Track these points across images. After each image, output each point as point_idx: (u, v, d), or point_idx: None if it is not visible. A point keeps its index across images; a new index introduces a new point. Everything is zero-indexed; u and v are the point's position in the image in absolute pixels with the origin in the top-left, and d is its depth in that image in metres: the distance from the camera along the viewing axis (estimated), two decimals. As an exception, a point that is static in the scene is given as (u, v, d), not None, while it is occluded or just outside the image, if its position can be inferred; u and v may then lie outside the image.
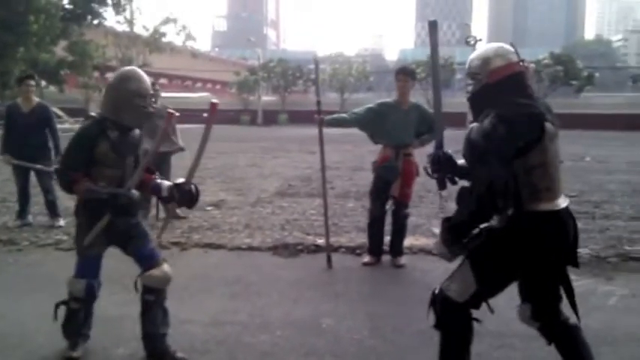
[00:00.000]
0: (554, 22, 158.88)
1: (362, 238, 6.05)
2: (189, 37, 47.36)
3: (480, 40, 48.90)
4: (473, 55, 2.65)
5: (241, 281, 4.78)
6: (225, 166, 13.23)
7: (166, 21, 45.72)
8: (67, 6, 34.99)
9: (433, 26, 2.66)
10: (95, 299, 3.33)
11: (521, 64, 2.56)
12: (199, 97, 52.47)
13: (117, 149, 3.11)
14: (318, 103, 5.18)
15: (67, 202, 7.85)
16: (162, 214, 7.14)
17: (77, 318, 3.32)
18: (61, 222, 6.73)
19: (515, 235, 2.48)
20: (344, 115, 5.36)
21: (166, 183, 3.27)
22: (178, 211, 7.21)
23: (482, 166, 2.42)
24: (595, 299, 4.42)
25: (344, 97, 47.39)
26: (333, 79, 50.67)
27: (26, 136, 6.55)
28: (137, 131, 3.27)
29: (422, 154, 5.17)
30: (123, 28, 44.11)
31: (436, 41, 2.71)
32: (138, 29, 44.98)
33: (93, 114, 3.26)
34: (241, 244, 5.89)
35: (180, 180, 3.25)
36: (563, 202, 2.59)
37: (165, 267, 3.25)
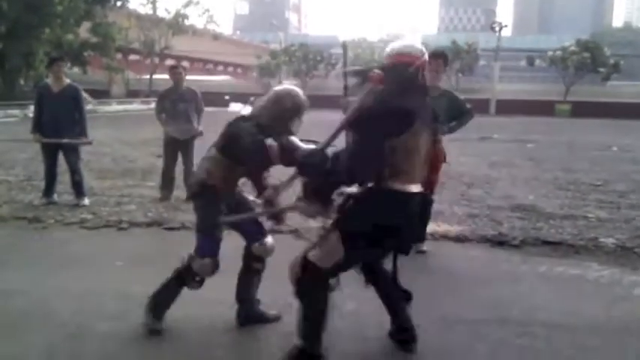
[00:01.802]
0: (582, 9, 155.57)
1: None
2: (211, 19, 47.46)
3: (505, 26, 48.23)
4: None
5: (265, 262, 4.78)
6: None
7: (188, 3, 45.82)
8: (91, -13, 35.21)
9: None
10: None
11: (418, 57, 2.88)
12: (220, 80, 52.60)
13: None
14: (345, 87, 5.13)
15: (92, 181, 7.99)
16: (183, 196, 7.21)
17: (176, 295, 3.48)
18: (86, 201, 6.82)
19: (371, 206, 2.79)
20: None
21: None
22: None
23: (361, 139, 2.78)
24: (620, 289, 4.37)
25: (348, 82, 47.07)
26: (356, 65, 50.38)
27: (56, 116, 6.66)
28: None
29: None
30: (146, 10, 44.32)
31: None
32: (160, 12, 45.19)
33: (244, 114, 3.37)
34: (265, 226, 5.89)
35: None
36: (416, 189, 2.92)
37: (269, 240, 3.59)
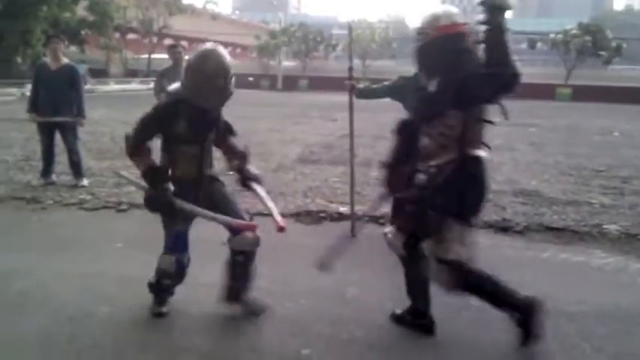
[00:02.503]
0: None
1: (385, 208, 5.97)
2: (209, -1, 46.93)
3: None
4: (423, 15, 2.92)
5: (264, 247, 4.69)
6: (246, 130, 13.05)
7: (188, -18, 45.29)
8: (89, -35, 34.72)
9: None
10: (185, 273, 3.35)
11: (465, 26, 2.79)
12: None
13: (195, 127, 3.11)
14: (350, 69, 5.04)
15: (90, 162, 7.91)
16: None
17: (167, 288, 3.38)
18: (85, 182, 6.75)
19: (470, 175, 2.75)
20: (376, 86, 5.17)
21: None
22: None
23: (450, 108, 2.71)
24: (626, 277, 4.32)
25: (366, 64, 46.67)
26: (356, 46, 49.91)
27: (53, 95, 6.57)
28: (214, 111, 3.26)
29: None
30: (144, -12, 43.84)
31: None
32: (159, -10, 44.69)
33: (171, 90, 3.22)
34: (263, 209, 5.80)
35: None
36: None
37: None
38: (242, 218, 3.31)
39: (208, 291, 3.60)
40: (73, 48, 35.75)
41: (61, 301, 3.55)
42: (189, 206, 3.16)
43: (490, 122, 2.81)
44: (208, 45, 3.12)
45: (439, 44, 2.76)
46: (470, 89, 2.63)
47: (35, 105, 6.67)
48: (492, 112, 2.83)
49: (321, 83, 43.15)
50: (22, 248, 4.58)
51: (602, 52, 42.11)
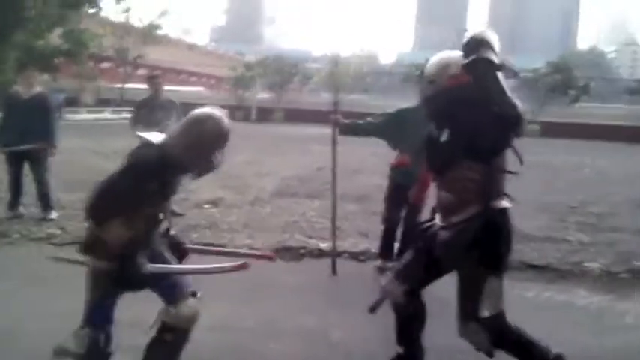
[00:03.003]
0: (550, 31, 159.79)
1: (365, 244, 5.89)
2: (185, 30, 47.11)
3: (478, 45, 48.92)
4: (432, 61, 2.80)
5: (243, 285, 4.57)
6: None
7: (163, 13, 45.45)
8: (65, -7, 34.57)
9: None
10: (105, 357, 2.73)
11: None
12: (194, 91, 52.18)
13: (166, 191, 2.66)
14: (336, 103, 5.00)
15: (60, 194, 7.65)
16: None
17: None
18: (54, 215, 6.52)
19: (487, 228, 2.61)
20: (360, 122, 5.07)
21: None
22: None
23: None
24: (611, 317, 4.28)
25: (339, 98, 47.10)
26: (330, 79, 50.45)
27: (23, 124, 6.36)
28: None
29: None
30: (120, 18, 43.77)
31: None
32: (134, 20, 44.69)
33: (153, 142, 2.65)
34: (241, 245, 5.70)
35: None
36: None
37: (193, 302, 2.76)
38: (182, 287, 2.76)
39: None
40: (46, 76, 35.31)
41: (31, 341, 3.34)
42: (171, 268, 2.74)
43: (511, 172, 2.68)
44: (217, 109, 2.73)
45: (451, 95, 2.65)
46: (481, 139, 2.53)
47: (3, 134, 6.46)
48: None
49: (296, 115, 43.30)
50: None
51: (570, 90, 43.30)
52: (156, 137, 2.67)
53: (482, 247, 2.59)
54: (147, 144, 2.63)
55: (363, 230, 6.49)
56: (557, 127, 38.01)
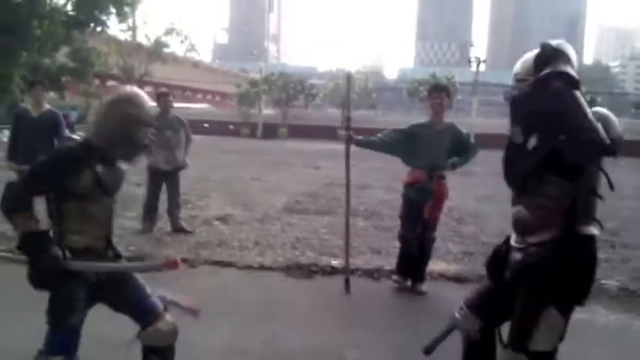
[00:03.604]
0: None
1: (378, 261, 5.81)
2: (191, 47, 47.41)
3: (484, 60, 49.15)
4: (523, 59, 2.52)
5: (254, 304, 4.52)
6: (228, 179, 12.97)
7: (169, 31, 45.78)
8: (71, 12, 34.89)
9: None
10: None
11: (573, 72, 2.35)
12: (199, 108, 52.41)
13: (102, 184, 2.50)
14: (348, 119, 4.96)
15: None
16: (168, 228, 6.90)
17: None
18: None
19: (566, 256, 2.29)
20: (373, 138, 5.00)
21: None
22: (184, 224, 6.98)
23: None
24: (631, 336, 4.18)
25: (345, 114, 47.32)
26: (335, 95, 50.66)
27: (33, 142, 6.32)
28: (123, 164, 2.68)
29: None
30: (125, 36, 44.13)
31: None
32: (140, 38, 45.01)
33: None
34: (252, 262, 5.63)
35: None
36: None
37: (169, 317, 2.66)
38: (154, 306, 2.65)
39: (196, 355, 3.35)
40: (53, 94, 35.55)
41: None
42: (91, 265, 2.48)
43: (599, 196, 2.37)
44: (129, 88, 2.69)
45: (543, 94, 2.29)
46: (569, 152, 2.17)
47: (14, 152, 6.43)
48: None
49: (301, 131, 43.42)
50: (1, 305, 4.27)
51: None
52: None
53: (553, 276, 2.29)
54: (70, 139, 2.62)
55: (375, 247, 6.42)
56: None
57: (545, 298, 2.31)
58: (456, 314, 2.65)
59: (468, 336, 2.61)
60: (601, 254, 6.40)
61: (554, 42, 2.39)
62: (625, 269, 5.93)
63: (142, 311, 2.61)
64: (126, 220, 7.42)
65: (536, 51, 2.45)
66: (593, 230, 2.34)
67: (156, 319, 2.60)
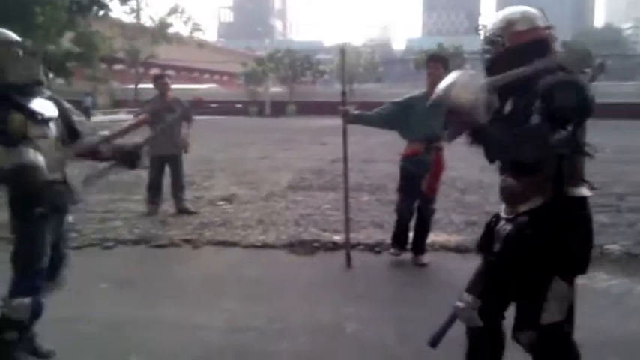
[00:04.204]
0: (562, 11, 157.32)
1: (380, 235, 5.83)
2: (196, 27, 47.16)
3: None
4: (494, 18, 2.38)
5: (257, 282, 4.57)
6: (234, 158, 13.01)
7: (172, 11, 45.52)
8: (73, -3, 34.80)
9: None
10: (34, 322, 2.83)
11: (547, 30, 2.30)
12: (207, 88, 52.30)
13: (32, 114, 2.68)
14: (344, 93, 4.92)
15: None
16: (173, 210, 6.95)
17: (14, 351, 2.80)
18: (69, 217, 6.52)
19: (558, 221, 2.21)
20: (369, 113, 4.97)
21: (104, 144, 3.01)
22: (189, 205, 7.02)
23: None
24: (632, 300, 4.19)
25: (353, 88, 46.93)
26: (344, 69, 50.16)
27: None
28: (47, 93, 2.87)
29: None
30: (129, 19, 43.94)
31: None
32: (144, 20, 44.80)
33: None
34: (255, 241, 5.67)
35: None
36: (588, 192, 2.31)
37: (27, 300, 2.73)
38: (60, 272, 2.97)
39: (200, 334, 3.40)
40: (60, 80, 35.66)
41: (41, 346, 3.32)
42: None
43: (588, 155, 2.24)
44: None
45: (515, 56, 2.22)
46: (555, 101, 2.04)
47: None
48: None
49: (309, 108, 43.26)
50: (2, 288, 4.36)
51: (586, 70, 42.65)
52: None
53: (550, 246, 2.20)
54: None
55: (378, 221, 6.43)
56: (574, 107, 37.50)
57: (548, 269, 2.24)
58: (457, 302, 2.49)
59: (470, 323, 2.47)
60: (606, 219, 6.45)
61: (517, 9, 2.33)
62: (630, 234, 5.92)
63: (55, 266, 2.89)
64: (131, 203, 7.51)
65: (505, 10, 2.38)
66: (584, 192, 2.27)
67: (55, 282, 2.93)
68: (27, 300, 2.68)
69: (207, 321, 3.71)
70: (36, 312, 2.75)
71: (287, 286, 4.45)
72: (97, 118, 35.81)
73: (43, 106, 2.78)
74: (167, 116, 6.82)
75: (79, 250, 5.49)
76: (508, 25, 2.29)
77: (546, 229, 2.20)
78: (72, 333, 3.54)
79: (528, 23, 2.27)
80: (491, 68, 2.31)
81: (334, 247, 5.45)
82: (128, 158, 2.97)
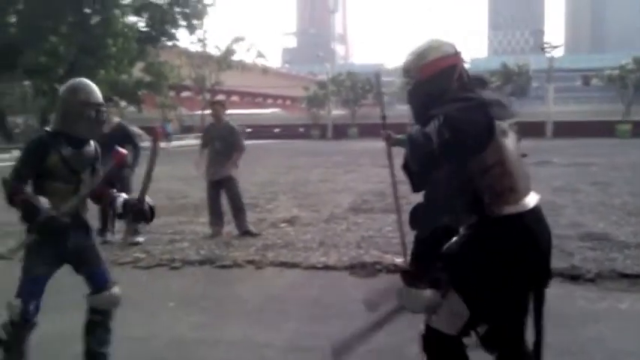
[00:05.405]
0: (634, 27, 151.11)
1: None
2: (259, 54, 48.40)
3: (557, 46, 47.09)
4: (408, 52, 2.46)
5: (318, 303, 4.59)
6: (297, 181, 13.16)
7: (237, 40, 46.94)
8: (143, 29, 36.56)
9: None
10: (31, 326, 3.02)
11: (456, 55, 2.38)
12: (271, 112, 53.35)
13: (69, 163, 3.00)
14: (383, 117, 4.92)
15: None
16: (236, 232, 7.09)
17: (9, 345, 3.03)
18: (140, 238, 6.78)
19: (483, 244, 2.22)
20: None
21: (121, 199, 3.14)
22: (251, 227, 7.15)
23: (433, 172, 2.21)
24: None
25: (385, 112, 46.62)
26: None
27: (105, 152, 6.67)
28: (93, 145, 3.17)
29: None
30: (196, 48, 45.60)
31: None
32: (210, 49, 46.36)
33: (46, 129, 3.13)
34: (316, 262, 5.70)
35: (133, 196, 3.19)
36: (531, 202, 2.26)
37: (115, 290, 3.19)
38: (108, 278, 3.18)
39: (262, 352, 3.43)
40: (131, 108, 37.38)
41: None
42: (74, 201, 2.98)
43: (511, 170, 2.21)
44: (78, 79, 3.15)
45: (425, 89, 2.33)
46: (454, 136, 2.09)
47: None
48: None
49: (371, 130, 43.13)
50: (72, 309, 4.55)
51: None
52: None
53: (459, 259, 2.26)
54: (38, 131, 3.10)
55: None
56: (650, 125, 35.75)
57: (451, 282, 2.28)
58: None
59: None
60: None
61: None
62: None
63: (94, 278, 3.13)
64: (198, 225, 7.72)
65: (423, 42, 2.45)
66: (509, 210, 2.19)
67: (104, 288, 3.12)
68: (17, 300, 2.95)
69: (269, 340, 3.75)
70: (25, 316, 2.95)
71: (347, 307, 4.42)
72: (166, 144, 37.16)
73: (82, 155, 3.08)
74: (216, 144, 7.01)
75: (147, 270, 5.71)
76: (419, 58, 2.37)
77: (459, 247, 2.27)
78: (142, 351, 3.66)
79: (438, 52, 2.35)
80: (410, 99, 2.44)
81: (396, 269, 5.39)
82: (140, 216, 3.16)
